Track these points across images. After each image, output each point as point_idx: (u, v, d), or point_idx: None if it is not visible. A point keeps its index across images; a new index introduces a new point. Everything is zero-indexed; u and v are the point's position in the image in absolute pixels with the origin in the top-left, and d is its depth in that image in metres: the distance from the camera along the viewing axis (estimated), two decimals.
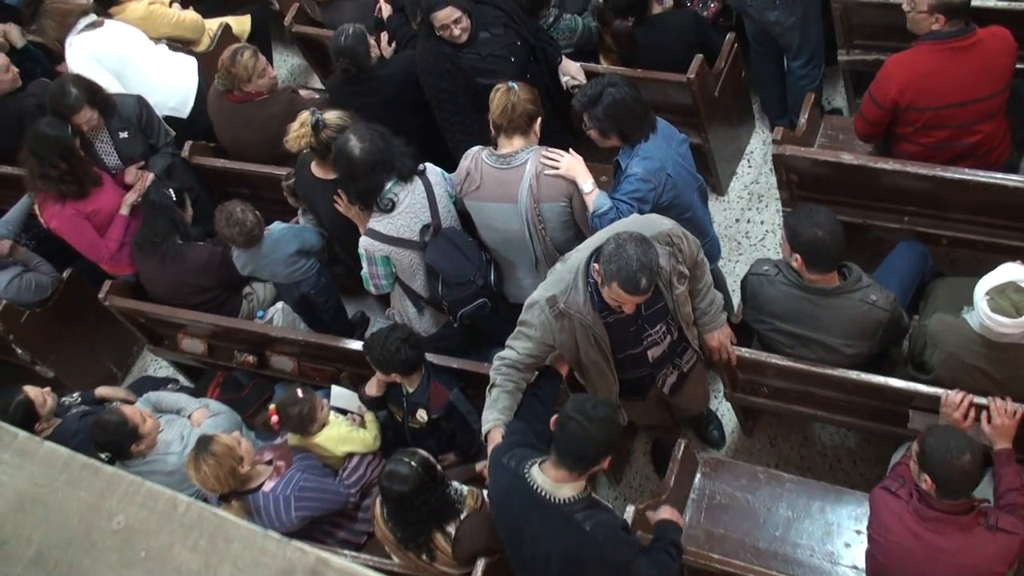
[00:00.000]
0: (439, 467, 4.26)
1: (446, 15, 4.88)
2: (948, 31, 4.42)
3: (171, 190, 5.43)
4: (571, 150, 4.48)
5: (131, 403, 5.01)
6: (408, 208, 4.56)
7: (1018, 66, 4.60)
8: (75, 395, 5.29)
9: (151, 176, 5.59)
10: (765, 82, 5.95)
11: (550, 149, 4.45)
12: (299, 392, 4.66)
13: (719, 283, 5.08)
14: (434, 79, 5.11)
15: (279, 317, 5.50)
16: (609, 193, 4.42)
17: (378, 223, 4.56)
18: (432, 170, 4.69)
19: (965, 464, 3.50)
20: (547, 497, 3.57)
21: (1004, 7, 4.98)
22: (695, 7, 5.65)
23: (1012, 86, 4.59)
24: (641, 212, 4.31)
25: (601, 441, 3.51)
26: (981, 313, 3.75)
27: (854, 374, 4.23)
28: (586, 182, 4.39)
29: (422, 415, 4.60)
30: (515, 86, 4.42)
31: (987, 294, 3.74)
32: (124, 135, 5.64)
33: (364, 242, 4.60)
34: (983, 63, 4.44)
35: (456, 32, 4.92)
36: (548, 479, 3.57)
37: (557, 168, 4.39)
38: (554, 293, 3.91)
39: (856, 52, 5.56)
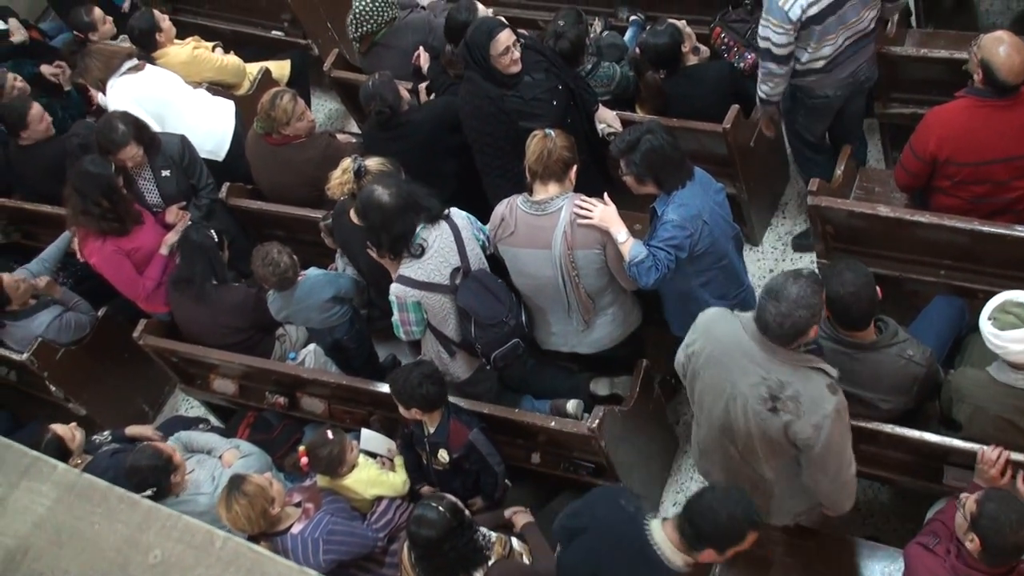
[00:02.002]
0: (467, 512, 4.23)
1: (507, 36, 4.91)
2: (989, 90, 4.41)
3: (213, 232, 5.47)
4: (606, 197, 4.48)
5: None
6: (437, 252, 4.58)
7: None
8: (105, 433, 5.30)
9: (189, 216, 5.65)
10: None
11: (584, 198, 4.45)
12: (329, 434, 4.65)
13: None
14: (477, 122, 5.14)
15: (311, 359, 5.51)
16: (645, 241, 4.42)
17: (408, 269, 4.57)
18: (457, 213, 4.71)
19: (1021, 539, 3.45)
20: (661, 559, 3.50)
21: None
22: (732, 59, 5.66)
23: None
24: (678, 259, 4.33)
25: (724, 531, 3.44)
26: (992, 340, 3.79)
27: (889, 428, 4.18)
28: (620, 232, 4.39)
29: (443, 455, 4.59)
30: (552, 133, 4.44)
31: (989, 318, 3.79)
32: (166, 174, 5.70)
33: (395, 289, 4.61)
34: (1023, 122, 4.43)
35: (515, 56, 4.95)
36: (669, 542, 3.50)
37: (591, 218, 4.39)
38: None
39: (894, 105, 5.55)
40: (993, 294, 3.90)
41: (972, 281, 4.78)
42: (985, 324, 3.78)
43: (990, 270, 4.69)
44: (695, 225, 4.35)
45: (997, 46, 4.36)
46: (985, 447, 3.91)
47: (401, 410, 4.55)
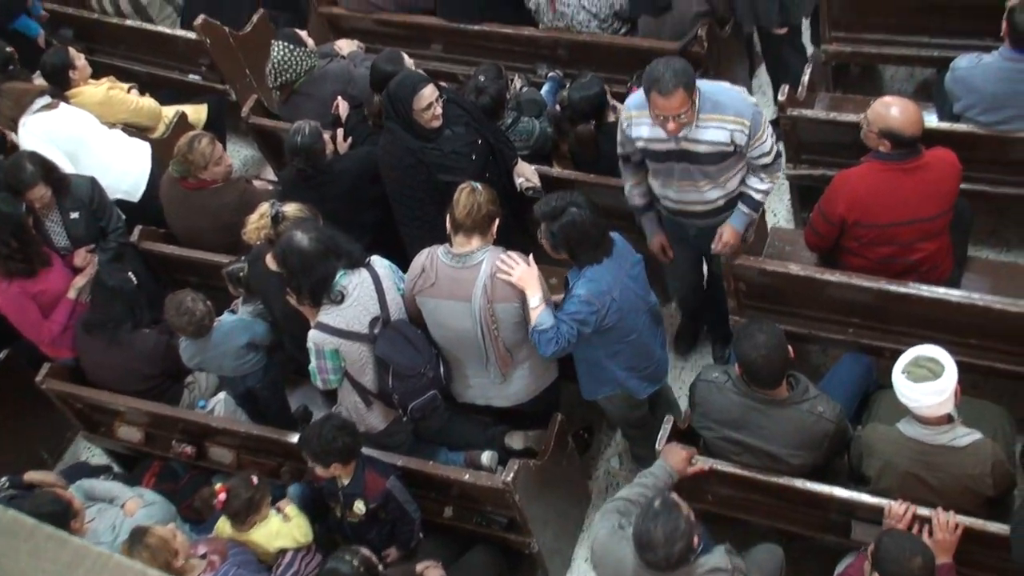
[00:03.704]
0: (380, 567, 4.18)
1: (430, 92, 4.94)
2: (895, 153, 4.55)
3: (131, 274, 5.38)
4: (531, 259, 4.50)
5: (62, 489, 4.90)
6: (357, 300, 4.55)
7: (961, 187, 4.74)
8: (3, 479, 5.14)
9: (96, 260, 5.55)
10: None
11: (509, 253, 4.47)
12: (254, 479, 4.59)
13: (666, 398, 5.11)
14: (396, 173, 5.15)
15: (220, 408, 5.42)
16: (558, 307, 4.46)
17: (327, 316, 4.53)
18: (379, 261, 4.70)
19: (916, 568, 3.55)
20: None
21: (947, 129, 5.16)
22: None
23: (955, 206, 4.73)
24: (581, 334, 4.39)
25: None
26: (906, 394, 3.89)
27: (799, 483, 4.26)
28: (535, 296, 4.41)
29: (359, 506, 4.54)
30: (479, 187, 4.47)
31: (903, 372, 3.90)
32: (75, 215, 5.59)
33: (313, 336, 4.56)
34: (928, 185, 4.58)
35: (437, 112, 4.98)
36: None
37: (510, 276, 4.42)
38: None
39: (803, 167, 5.70)
40: (900, 352, 4.02)
41: (880, 339, 4.91)
42: (899, 378, 3.88)
43: (897, 329, 4.82)
44: (603, 301, 4.37)
45: (886, 109, 4.54)
46: (892, 502, 4.00)
47: (318, 470, 4.48)
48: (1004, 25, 4.88)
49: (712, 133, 4.51)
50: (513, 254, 4.48)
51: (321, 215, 4.92)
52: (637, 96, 4.60)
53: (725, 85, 4.64)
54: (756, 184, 4.76)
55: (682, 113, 4.32)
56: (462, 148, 5.08)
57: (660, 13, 5.92)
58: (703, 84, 4.50)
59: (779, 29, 5.90)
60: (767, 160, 4.67)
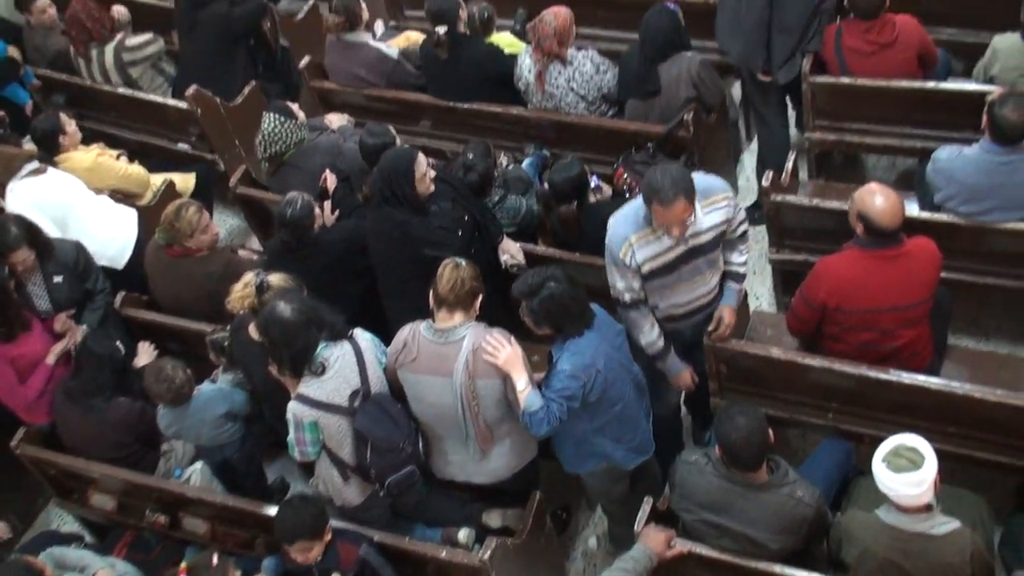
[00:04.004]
0: None
1: (423, 160, 5.04)
2: (876, 241, 4.60)
3: (119, 343, 5.36)
4: (513, 341, 4.51)
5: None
6: (338, 372, 4.54)
7: (942, 275, 4.79)
8: None
9: (82, 329, 5.52)
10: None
11: (493, 334, 4.48)
12: (215, 558, 4.53)
13: (653, 474, 5.09)
14: (383, 246, 5.19)
15: (196, 477, 5.36)
16: (544, 385, 4.48)
17: (308, 387, 4.52)
18: (361, 335, 4.70)
19: None
20: None
21: (928, 218, 5.24)
22: (633, 199, 5.80)
23: (935, 295, 4.77)
24: (571, 409, 4.39)
25: None
26: (886, 483, 3.85)
27: (778, 568, 4.23)
28: (521, 379, 4.42)
29: None
30: (462, 263, 4.49)
31: (883, 461, 3.87)
32: (58, 279, 5.59)
33: (293, 407, 4.54)
34: (909, 273, 4.62)
35: (431, 175, 5.07)
36: None
37: (496, 359, 4.42)
38: None
39: (786, 251, 5.76)
40: (879, 438, 4.02)
41: (859, 425, 4.92)
42: (879, 467, 3.88)
43: (877, 415, 4.83)
44: (588, 374, 4.39)
45: (870, 197, 4.57)
46: None
47: (294, 554, 4.41)
48: (984, 119, 4.97)
49: (712, 218, 4.59)
50: (497, 335, 4.48)
51: (306, 286, 4.93)
52: (624, 222, 4.61)
53: (696, 173, 4.70)
54: (737, 258, 4.86)
55: (686, 217, 4.39)
56: (449, 223, 5.12)
57: (649, 97, 6.00)
58: None
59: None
60: (745, 227, 4.80)
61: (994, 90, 5.22)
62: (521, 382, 4.42)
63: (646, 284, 4.69)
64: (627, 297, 4.70)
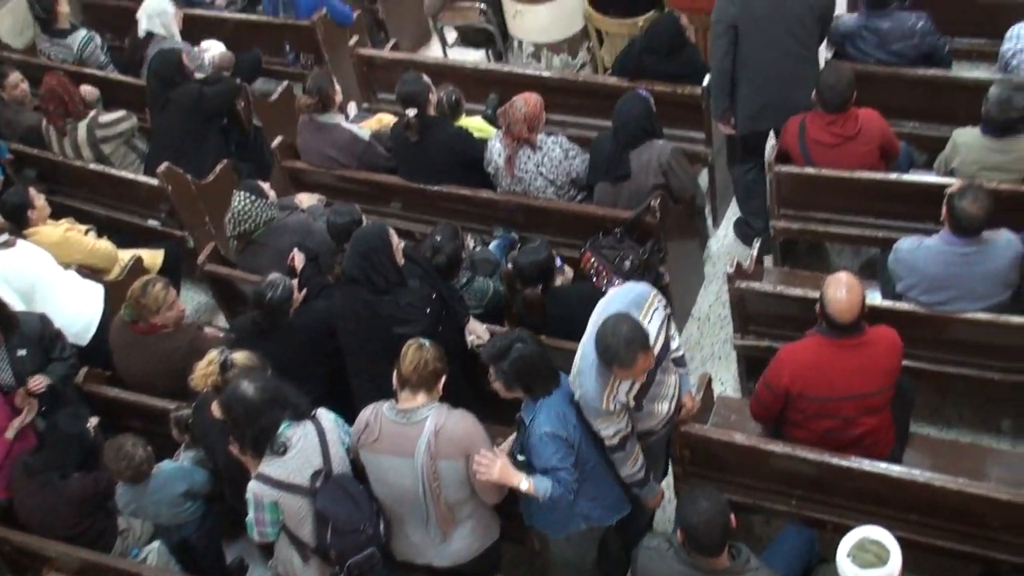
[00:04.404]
0: None
1: (394, 232, 5.09)
2: (837, 330, 4.65)
3: (90, 423, 5.32)
4: (497, 451, 4.55)
5: None
6: (300, 452, 4.51)
7: (904, 363, 4.84)
8: None
9: (43, 380, 5.49)
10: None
11: (482, 452, 4.49)
12: None
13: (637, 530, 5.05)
14: (352, 325, 5.20)
15: (153, 557, 5.29)
16: (515, 450, 4.52)
17: (269, 467, 4.49)
18: (324, 414, 4.68)
19: None
20: None
21: (890, 307, 5.30)
22: (600, 283, 5.85)
23: (897, 383, 4.82)
24: (568, 472, 4.47)
25: None
26: None
27: None
28: (520, 482, 4.49)
29: None
30: (426, 343, 4.51)
31: (848, 555, 3.86)
32: (22, 353, 5.55)
33: (253, 487, 4.50)
34: (870, 362, 4.67)
35: (400, 255, 5.12)
36: None
37: (491, 476, 4.44)
38: None
39: (750, 337, 5.80)
40: (842, 525, 4.03)
41: (822, 512, 4.91)
42: (844, 561, 3.85)
43: (840, 502, 4.83)
44: (568, 431, 4.48)
45: (832, 287, 4.63)
46: None
47: None
48: (944, 210, 5.07)
49: (655, 324, 4.59)
50: (484, 451, 4.49)
51: (274, 366, 4.92)
52: (591, 378, 4.47)
53: (618, 289, 4.77)
54: (674, 344, 4.85)
55: (648, 366, 4.41)
56: (417, 301, 5.15)
57: (618, 181, 6.08)
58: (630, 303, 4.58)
59: None
60: (681, 352, 4.97)
61: (954, 183, 5.32)
62: (523, 483, 4.48)
63: (632, 415, 4.64)
64: (617, 439, 4.61)
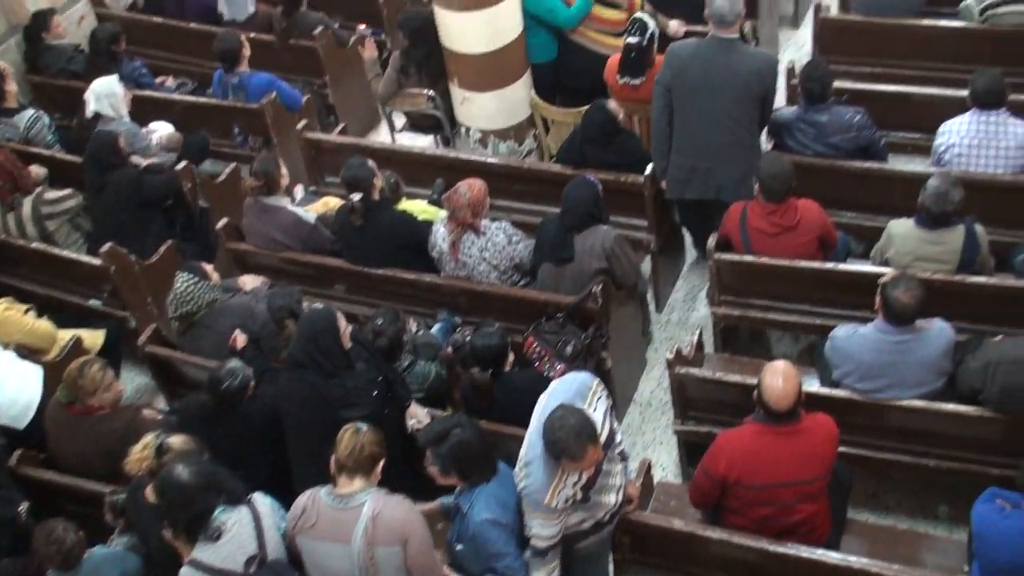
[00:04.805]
0: None
1: (341, 316, 5.10)
2: (773, 417, 4.70)
3: (21, 507, 5.22)
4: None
5: None
6: (234, 537, 4.45)
7: (841, 450, 4.89)
8: None
9: None
10: None
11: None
12: None
13: None
14: (296, 408, 5.20)
15: None
16: (453, 538, 4.50)
17: (202, 552, 4.42)
18: (260, 499, 4.64)
19: None
20: None
21: (827, 394, 5.37)
22: (542, 368, 5.88)
23: (834, 470, 4.86)
24: (514, 557, 4.46)
25: None
26: None
27: None
28: None
29: None
30: (363, 427, 4.50)
31: None
32: None
33: (185, 573, 4.43)
34: (807, 449, 4.72)
35: (348, 338, 5.12)
36: None
37: None
38: None
39: (690, 423, 5.84)
40: None
41: None
42: None
43: None
44: (509, 518, 4.48)
45: (769, 375, 4.71)
46: None
47: None
48: (878, 300, 5.17)
49: (599, 412, 4.62)
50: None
51: (219, 452, 4.89)
52: (539, 474, 4.46)
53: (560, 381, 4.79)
54: (617, 437, 4.86)
55: (598, 458, 4.45)
56: (364, 384, 5.16)
57: (562, 264, 6.14)
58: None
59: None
60: (623, 446, 5.00)
61: (888, 272, 5.44)
62: None
63: (579, 507, 4.64)
64: (545, 545, 4.56)
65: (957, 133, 6.30)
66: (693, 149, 6.45)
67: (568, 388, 4.63)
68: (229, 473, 4.58)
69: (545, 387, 5.55)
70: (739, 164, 6.32)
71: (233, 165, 7.93)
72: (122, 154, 7.19)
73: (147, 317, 6.92)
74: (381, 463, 4.52)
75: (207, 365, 5.91)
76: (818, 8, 7.89)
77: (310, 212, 6.91)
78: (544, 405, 4.58)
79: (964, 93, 6.34)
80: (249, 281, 6.49)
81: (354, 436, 4.45)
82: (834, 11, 8.23)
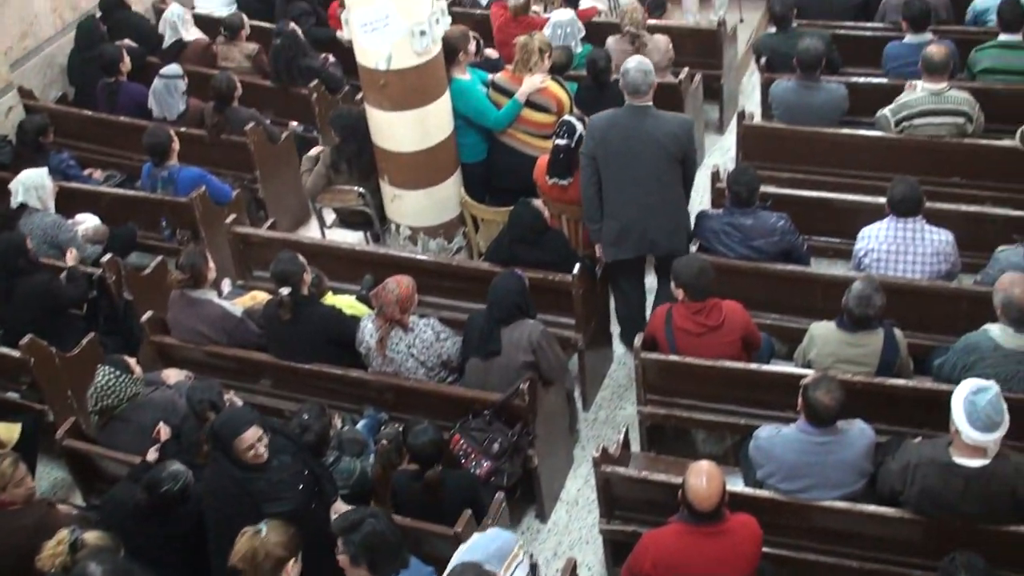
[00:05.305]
0: None
1: (252, 435, 4.99)
2: (697, 517, 4.72)
3: None
4: None
5: None
6: None
7: (765, 550, 4.91)
8: None
9: None
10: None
11: None
12: None
13: None
14: (218, 503, 5.11)
15: None
16: None
17: None
18: None
19: None
20: None
21: (751, 494, 5.40)
22: (468, 465, 5.85)
23: (759, 570, 4.87)
24: None
25: None
26: None
27: None
28: None
29: None
30: (264, 529, 4.42)
31: None
32: None
33: None
34: (730, 549, 4.75)
35: (261, 451, 5.01)
36: None
37: None
38: None
39: (616, 522, 5.82)
40: None
41: None
42: None
43: None
44: None
45: (693, 475, 4.76)
46: None
47: None
48: (800, 401, 5.24)
49: None
50: None
51: (142, 549, 4.77)
52: None
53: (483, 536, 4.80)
54: None
55: None
56: (288, 478, 5.10)
57: (489, 357, 6.16)
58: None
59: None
60: None
61: (810, 374, 5.53)
62: None
63: None
64: None
65: (876, 239, 6.48)
66: (623, 211, 6.71)
67: (488, 546, 4.61)
68: (145, 571, 4.47)
69: (471, 486, 5.55)
70: (669, 219, 6.71)
71: (160, 258, 7.87)
72: (31, 257, 7.10)
73: (66, 410, 6.78)
74: (289, 564, 4.43)
75: (126, 460, 5.81)
76: (742, 115, 8.14)
77: (237, 305, 6.87)
78: (459, 556, 4.57)
79: (883, 200, 6.54)
80: (172, 375, 6.41)
81: (250, 540, 4.38)
82: (757, 119, 8.47)
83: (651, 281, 7.44)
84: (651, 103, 6.68)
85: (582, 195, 6.90)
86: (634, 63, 6.66)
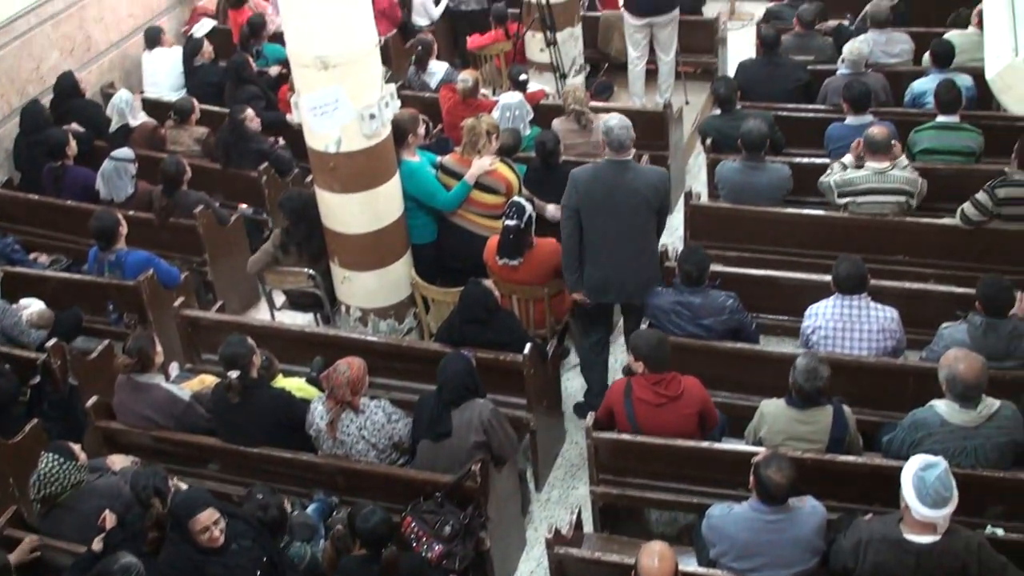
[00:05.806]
0: None
1: (208, 516, 4.97)
2: None
3: None
4: None
5: None
6: None
7: None
8: None
9: None
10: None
11: None
12: None
13: None
14: None
15: None
16: None
17: None
18: None
19: None
20: None
21: (703, 574, 5.38)
22: (419, 548, 5.78)
23: None
24: None
25: None
26: None
27: None
28: None
29: None
30: None
31: None
32: None
33: None
34: None
35: (216, 534, 4.97)
36: None
37: None
38: None
39: None
40: None
41: None
42: None
43: None
44: None
45: (646, 556, 4.78)
46: None
47: None
48: (752, 479, 5.25)
49: None
50: None
51: None
52: None
53: None
54: None
55: None
56: (247, 563, 5.06)
57: (440, 439, 6.12)
58: None
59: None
60: None
61: (761, 451, 5.54)
62: None
63: None
64: None
65: (823, 316, 6.57)
66: (605, 261, 6.98)
67: None
68: None
69: (423, 570, 5.49)
70: (646, 270, 7.04)
71: (106, 342, 7.77)
72: None
73: (7, 499, 6.63)
74: None
75: (70, 550, 5.67)
76: (688, 195, 8.26)
77: (184, 389, 6.79)
78: None
79: (828, 278, 6.64)
80: (118, 461, 6.30)
81: None
82: (704, 199, 8.60)
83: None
84: (631, 157, 6.99)
85: (563, 246, 7.11)
86: (616, 120, 6.89)
